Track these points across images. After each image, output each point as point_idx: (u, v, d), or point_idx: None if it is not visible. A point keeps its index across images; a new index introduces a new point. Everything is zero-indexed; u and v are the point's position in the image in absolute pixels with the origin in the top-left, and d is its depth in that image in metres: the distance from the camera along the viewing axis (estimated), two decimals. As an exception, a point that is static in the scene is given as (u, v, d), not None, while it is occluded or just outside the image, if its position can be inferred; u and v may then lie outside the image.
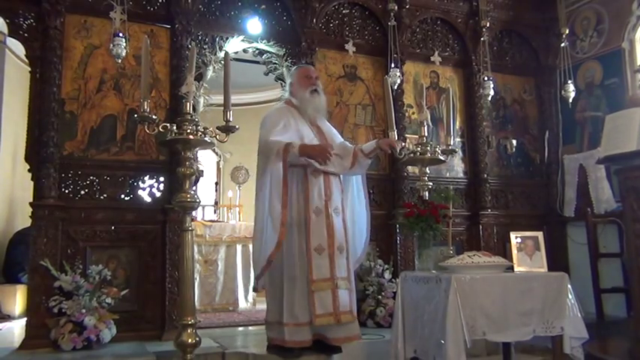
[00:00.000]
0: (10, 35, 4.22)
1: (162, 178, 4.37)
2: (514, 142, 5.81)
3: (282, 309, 3.24)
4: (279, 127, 3.36)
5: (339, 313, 3.20)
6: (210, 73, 4.69)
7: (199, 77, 4.53)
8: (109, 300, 3.88)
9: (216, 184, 8.83)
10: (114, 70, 4.33)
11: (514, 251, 2.96)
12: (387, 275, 4.79)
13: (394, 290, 4.51)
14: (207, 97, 4.73)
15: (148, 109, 2.55)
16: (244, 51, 4.98)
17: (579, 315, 2.80)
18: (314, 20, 5.00)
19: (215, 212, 8.19)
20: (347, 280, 3.30)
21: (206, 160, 8.69)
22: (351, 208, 3.61)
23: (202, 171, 4.45)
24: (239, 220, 7.49)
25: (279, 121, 3.40)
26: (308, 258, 3.23)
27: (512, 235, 3.03)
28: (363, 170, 3.62)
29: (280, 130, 3.34)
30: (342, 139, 3.74)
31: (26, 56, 4.22)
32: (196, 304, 3.92)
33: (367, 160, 3.53)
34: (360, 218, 3.64)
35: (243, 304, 6.17)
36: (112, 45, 3.93)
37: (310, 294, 3.18)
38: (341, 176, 3.56)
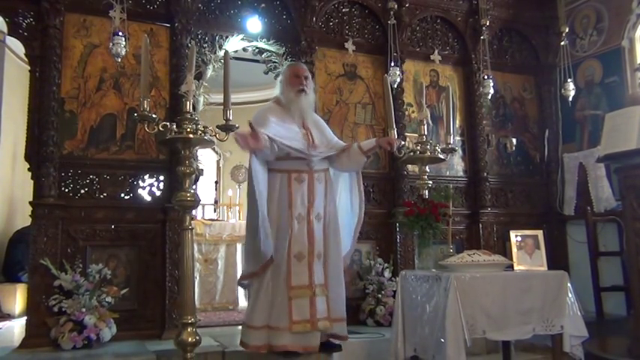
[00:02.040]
0: (9, 34, 4.22)
1: (162, 177, 4.36)
2: (514, 140, 5.80)
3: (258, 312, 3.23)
4: (264, 122, 3.29)
5: (316, 320, 3.17)
6: (209, 72, 4.69)
7: (199, 76, 4.52)
8: (109, 299, 3.88)
9: (216, 182, 8.83)
10: (113, 69, 4.32)
11: (514, 250, 2.97)
12: (387, 274, 4.79)
13: (394, 289, 4.51)
14: (207, 96, 4.72)
15: (148, 108, 2.55)
16: (244, 50, 4.98)
17: (579, 313, 2.80)
18: (314, 19, 4.99)
19: (215, 211, 8.19)
20: (324, 287, 3.26)
21: (206, 158, 8.68)
22: (341, 209, 3.58)
23: (202, 170, 4.44)
24: (239, 219, 7.49)
25: (268, 119, 3.34)
26: (287, 264, 3.20)
27: (512, 233, 3.03)
28: (356, 167, 3.54)
29: (266, 125, 3.27)
30: (337, 139, 3.66)
31: (26, 55, 4.21)
32: (196, 302, 3.93)
33: (363, 157, 3.46)
34: (348, 221, 3.59)
35: (243, 303, 6.16)
36: (111, 44, 3.93)
37: (288, 301, 3.16)
38: (329, 180, 3.49)
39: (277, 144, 3.18)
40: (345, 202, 3.61)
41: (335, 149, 3.47)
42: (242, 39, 4.83)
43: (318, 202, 3.35)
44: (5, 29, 4.27)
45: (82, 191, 4.15)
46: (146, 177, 4.33)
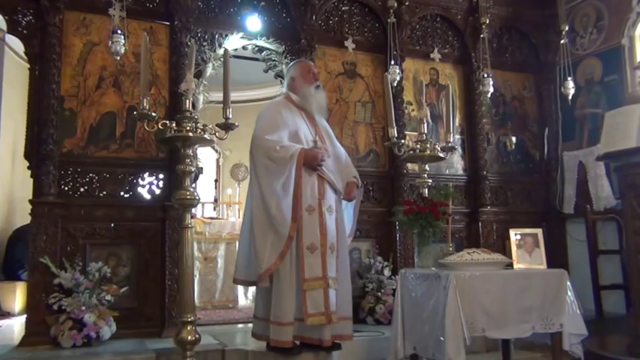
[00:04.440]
0: (9, 32, 4.21)
1: (161, 176, 4.36)
2: (514, 139, 5.80)
3: (269, 306, 3.23)
4: (275, 124, 3.32)
5: (330, 312, 3.16)
6: (209, 71, 4.68)
7: (199, 74, 4.52)
8: (108, 297, 3.88)
9: (216, 181, 8.83)
10: (113, 67, 4.32)
11: (513, 248, 2.97)
12: (387, 272, 4.80)
13: (394, 287, 4.52)
14: (206, 95, 4.72)
15: (148, 107, 2.55)
16: (244, 48, 4.97)
17: (578, 312, 2.80)
18: (313, 17, 4.98)
19: (215, 209, 8.20)
20: (336, 280, 3.26)
21: (205, 157, 8.68)
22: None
23: (202, 168, 4.45)
24: (239, 218, 7.48)
25: (276, 117, 3.36)
26: (300, 256, 3.19)
27: (512, 232, 3.03)
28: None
29: (277, 128, 3.31)
30: (341, 147, 3.67)
31: (25, 53, 4.21)
32: (196, 301, 3.93)
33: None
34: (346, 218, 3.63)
35: (242, 302, 6.18)
36: (111, 42, 3.93)
37: (302, 292, 3.15)
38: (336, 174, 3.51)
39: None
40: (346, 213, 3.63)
41: (343, 168, 3.51)
42: (242, 37, 4.82)
43: (329, 194, 3.35)
44: (5, 27, 4.27)
45: (82, 189, 4.15)
46: (146, 175, 4.33)
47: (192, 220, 2.77)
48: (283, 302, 3.16)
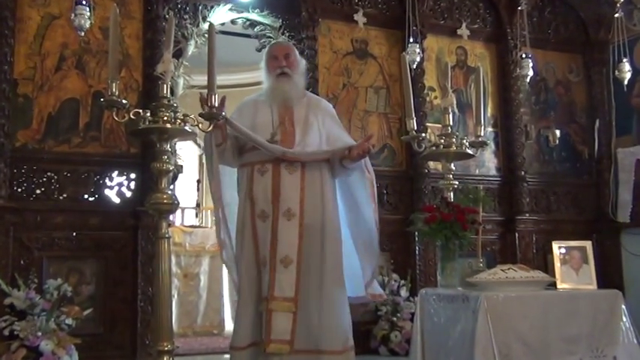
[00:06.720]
0: (-49, 2, 4.24)
1: (133, 175, 4.39)
2: (557, 132, 5.81)
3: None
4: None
5: (269, 340, 3.09)
6: (191, 49, 4.70)
7: (178, 54, 4.54)
8: (69, 321, 3.89)
9: (198, 182, 8.85)
10: (76, 45, 4.34)
11: (557, 264, 2.97)
12: (404, 293, 4.81)
13: (412, 311, 4.52)
14: (187, 78, 4.74)
15: (117, 92, 2.56)
16: (232, 22, 4.99)
17: (635, 341, 2.80)
18: (317, -15, 5.01)
19: (197, 216, 8.23)
20: (292, 303, 3.18)
21: (186, 153, 8.70)
22: (348, 214, 3.58)
23: (181, 166, 4.46)
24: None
25: (235, 117, 3.41)
26: (258, 272, 3.23)
27: (555, 245, 3.03)
28: (342, 176, 3.46)
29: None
30: (340, 136, 3.46)
31: (-29, 28, 4.24)
32: (174, 326, 3.94)
33: (342, 168, 3.35)
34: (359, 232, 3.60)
35: (229, 327, 6.19)
36: (73, 15, 3.94)
37: (261, 314, 3.18)
38: (306, 171, 3.32)
39: (234, 126, 3.18)
40: (357, 206, 3.61)
41: (323, 151, 3.34)
42: (230, 9, 4.84)
43: (287, 195, 3.25)
44: (-54, -3, 4.29)
45: (38, 191, 4.17)
46: (114, 175, 4.36)
47: (169, 228, 2.78)
48: (239, 323, 3.22)
